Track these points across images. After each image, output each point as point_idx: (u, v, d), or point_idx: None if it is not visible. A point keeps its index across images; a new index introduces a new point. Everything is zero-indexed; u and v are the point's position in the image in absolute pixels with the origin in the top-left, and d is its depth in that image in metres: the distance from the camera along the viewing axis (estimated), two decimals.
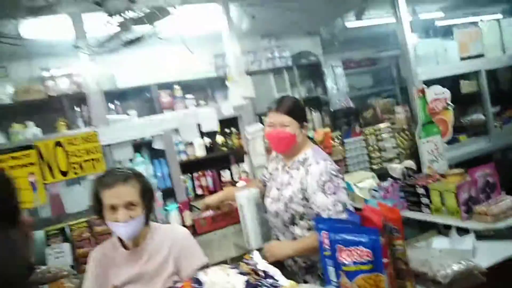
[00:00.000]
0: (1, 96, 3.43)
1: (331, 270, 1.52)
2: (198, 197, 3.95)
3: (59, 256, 2.41)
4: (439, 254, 1.76)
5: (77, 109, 3.67)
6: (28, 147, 2.43)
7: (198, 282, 1.26)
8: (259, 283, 1.21)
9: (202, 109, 2.83)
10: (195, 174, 4.00)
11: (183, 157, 3.84)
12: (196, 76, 4.03)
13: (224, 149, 4.11)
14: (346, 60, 5.05)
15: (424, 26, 4.40)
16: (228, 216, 2.82)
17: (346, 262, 1.43)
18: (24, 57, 3.43)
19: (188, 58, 3.99)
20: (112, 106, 3.83)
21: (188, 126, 2.71)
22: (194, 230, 2.73)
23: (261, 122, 3.05)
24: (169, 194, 3.22)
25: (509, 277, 1.81)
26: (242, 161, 4.14)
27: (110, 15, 2.00)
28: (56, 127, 3.51)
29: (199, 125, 2.77)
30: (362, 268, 1.40)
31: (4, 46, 2.74)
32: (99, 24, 2.29)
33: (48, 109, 3.63)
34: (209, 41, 3.89)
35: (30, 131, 3.46)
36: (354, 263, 1.41)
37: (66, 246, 2.45)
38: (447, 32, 4.14)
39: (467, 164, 3.17)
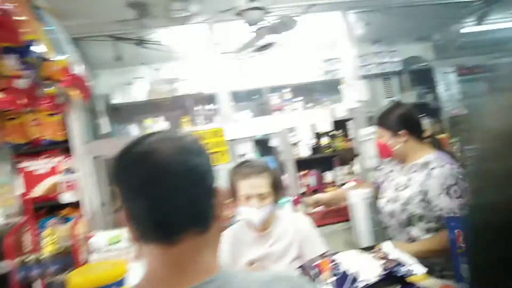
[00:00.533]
0: (139, 94, 3.94)
1: (465, 267, 1.53)
2: (301, 195, 4.11)
3: None
4: None
5: (197, 107, 4.06)
6: None
7: (335, 261, 1.39)
8: (395, 269, 1.31)
9: (317, 110, 2.99)
10: (299, 173, 4.17)
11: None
12: (305, 80, 4.20)
13: (329, 151, 4.22)
14: (459, 66, 4.84)
15: None
16: (338, 213, 2.94)
17: None
18: (157, 61, 3.90)
19: (299, 62, 4.22)
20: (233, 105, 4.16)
21: (304, 126, 2.88)
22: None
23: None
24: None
25: None
26: (346, 163, 4.22)
27: (249, 24, 2.24)
28: (180, 123, 3.93)
29: (313, 126, 2.93)
30: None
31: (145, 51, 3.18)
32: (231, 32, 2.57)
33: (175, 107, 4.06)
34: (320, 46, 4.06)
35: (159, 125, 3.93)
36: None
37: None
38: None
39: None
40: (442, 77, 4.47)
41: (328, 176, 4.30)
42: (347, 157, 4.23)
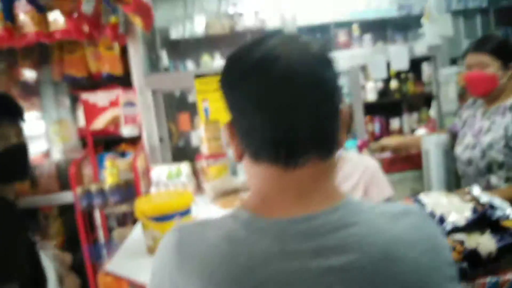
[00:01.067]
0: (196, 29, 3.78)
1: None
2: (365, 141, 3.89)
3: None
4: None
5: None
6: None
7: (419, 201, 1.23)
8: (487, 213, 1.12)
9: (393, 47, 2.68)
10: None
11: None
12: (376, 15, 3.82)
13: (398, 95, 3.91)
14: None
15: None
16: (407, 160, 2.71)
17: None
18: None
19: None
20: None
21: (378, 63, 2.61)
22: None
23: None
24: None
25: None
26: (416, 109, 3.91)
27: None
28: None
29: (388, 64, 2.64)
30: None
31: None
32: None
33: (233, 43, 3.87)
34: None
35: (216, 62, 3.78)
36: None
37: None
38: None
39: None
40: None
41: (395, 123, 4.03)
42: (418, 102, 3.91)
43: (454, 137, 2.20)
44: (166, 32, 3.80)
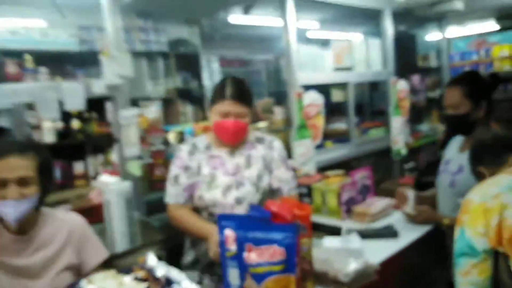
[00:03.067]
0: None
1: (234, 272, 1.32)
2: None
3: None
4: (337, 253, 1.71)
5: None
6: None
7: None
8: None
9: (67, 83, 2.33)
10: None
11: None
12: (54, 47, 3.40)
13: (81, 136, 3.56)
14: (221, 56, 4.92)
15: (302, 34, 4.55)
16: (86, 214, 2.37)
17: (255, 263, 1.25)
18: None
19: (45, 25, 3.38)
20: None
21: (48, 101, 2.19)
22: None
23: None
24: None
25: (393, 273, 1.87)
26: (101, 151, 3.65)
27: None
28: None
29: (60, 103, 2.26)
30: (273, 269, 1.24)
31: None
32: None
33: None
34: (73, 11, 3.36)
35: None
36: (265, 263, 1.24)
37: None
38: (324, 42, 4.34)
39: (331, 168, 3.31)
40: (207, 64, 4.41)
41: (79, 166, 3.64)
42: (101, 143, 3.66)
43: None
44: None
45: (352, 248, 1.80)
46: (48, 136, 3.35)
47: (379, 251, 1.86)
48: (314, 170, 3.52)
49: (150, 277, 0.99)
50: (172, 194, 1.86)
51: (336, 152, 4.01)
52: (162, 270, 1.03)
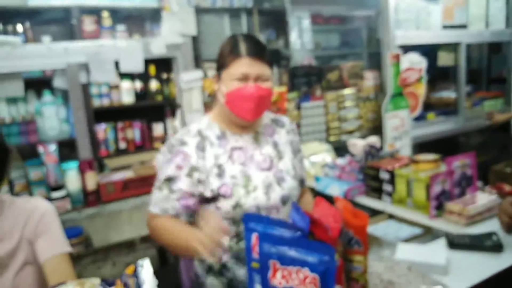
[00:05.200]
0: None
1: None
2: (120, 152, 3.32)
3: None
4: (406, 272, 1.32)
5: None
6: None
7: None
8: None
9: (122, 42, 2.16)
10: (119, 125, 3.35)
11: (106, 102, 3.16)
12: (132, 4, 3.27)
13: (159, 97, 3.46)
14: (314, 14, 4.44)
15: None
16: (146, 182, 2.25)
17: (279, 286, 0.94)
18: None
19: None
20: (21, 28, 3.05)
21: (102, 61, 2.05)
22: (98, 196, 2.14)
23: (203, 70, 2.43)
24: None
25: None
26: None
27: None
28: None
29: (117, 63, 2.11)
30: None
31: None
32: None
33: None
34: None
35: None
36: None
37: None
38: None
39: (432, 145, 2.76)
40: (296, 22, 3.98)
41: (159, 128, 3.58)
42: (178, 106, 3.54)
43: None
44: None
45: (433, 262, 1.38)
46: (126, 96, 3.31)
47: (473, 270, 1.41)
48: (409, 147, 3.01)
49: None
50: (159, 201, 1.35)
51: (439, 126, 3.40)
52: (148, 285, 0.78)
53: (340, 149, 2.69)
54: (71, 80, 2.06)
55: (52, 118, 2.86)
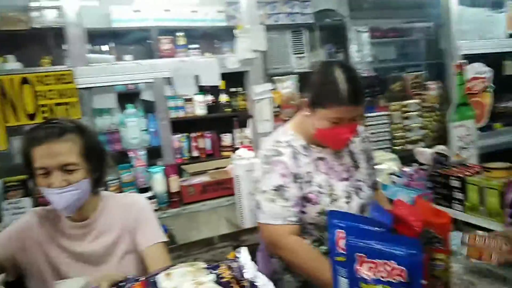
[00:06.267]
0: None
1: (343, 282, 1.12)
2: (193, 159, 3.57)
3: (17, 212, 2.04)
4: (487, 273, 1.37)
5: (64, 46, 3.24)
6: None
7: (155, 286, 0.86)
8: None
9: (201, 58, 2.38)
10: (192, 134, 3.60)
11: (180, 114, 3.42)
12: (204, 24, 3.54)
13: (228, 110, 3.68)
14: (372, 27, 4.52)
15: None
16: (221, 186, 2.44)
17: (368, 278, 1.03)
18: None
19: (196, 2, 3.55)
20: (106, 47, 3.40)
21: (184, 76, 2.27)
22: (181, 198, 2.34)
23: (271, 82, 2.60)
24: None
25: None
26: (245, 125, 3.74)
27: None
28: (40, 64, 3.09)
29: (197, 77, 2.33)
30: None
31: None
32: None
33: (32, 44, 3.19)
34: None
35: (10, 66, 3.05)
36: (379, 281, 1.01)
37: (27, 202, 2.08)
38: (495, 3, 3.59)
39: (499, 155, 2.74)
40: (355, 36, 4.08)
41: (228, 139, 3.79)
42: (246, 118, 3.73)
43: None
44: None
45: None
46: (199, 109, 3.56)
47: None
48: (476, 157, 2.99)
49: (234, 279, 0.89)
50: (277, 212, 1.38)
51: (506, 136, 3.33)
52: (250, 272, 0.91)
53: (405, 158, 2.74)
54: (157, 93, 2.30)
55: (134, 128, 3.16)
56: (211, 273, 0.90)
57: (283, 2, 3.75)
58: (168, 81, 2.32)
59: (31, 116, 2.08)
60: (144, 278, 0.92)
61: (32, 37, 3.15)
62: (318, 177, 1.45)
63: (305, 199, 1.42)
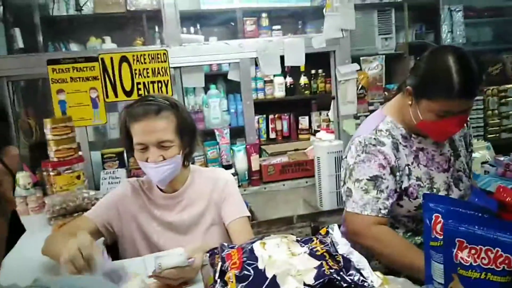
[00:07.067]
0: (80, 6, 3.25)
1: (438, 267, 1.08)
2: (270, 140, 3.61)
3: (113, 182, 2.22)
4: None
5: (157, 30, 3.41)
6: (94, 59, 2.18)
7: (252, 254, 0.90)
8: (337, 277, 0.82)
9: (288, 38, 2.37)
10: (270, 116, 3.64)
11: (260, 96, 3.48)
12: (287, 5, 3.53)
13: (307, 92, 3.66)
14: (466, 6, 4.18)
15: None
16: (301, 167, 2.44)
17: (467, 264, 0.98)
18: None
19: None
20: (192, 29, 3.52)
21: (270, 56, 2.29)
22: (261, 176, 2.39)
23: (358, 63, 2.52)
24: (240, 133, 2.90)
25: None
26: (325, 108, 3.69)
27: None
28: (133, 45, 3.30)
29: (282, 58, 2.33)
30: (491, 279, 0.95)
31: None
32: None
33: (127, 26, 3.40)
34: None
35: (106, 46, 3.29)
36: (480, 268, 0.96)
37: (122, 172, 2.25)
38: None
39: None
40: (448, 15, 3.81)
41: (305, 121, 3.79)
42: (325, 101, 3.68)
43: None
44: (46, 8, 3.24)
45: None
46: (278, 90, 3.59)
47: None
48: None
49: (327, 253, 0.89)
50: (368, 203, 1.32)
51: None
52: (344, 248, 0.91)
53: (499, 148, 2.54)
54: (243, 73, 2.34)
55: (216, 109, 3.27)
56: (303, 246, 0.92)
57: None
58: (254, 61, 2.35)
59: (128, 93, 2.23)
60: (239, 246, 0.96)
61: (126, 19, 3.35)
62: (418, 169, 1.38)
63: (404, 192, 1.36)
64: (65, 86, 2.12)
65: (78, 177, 1.95)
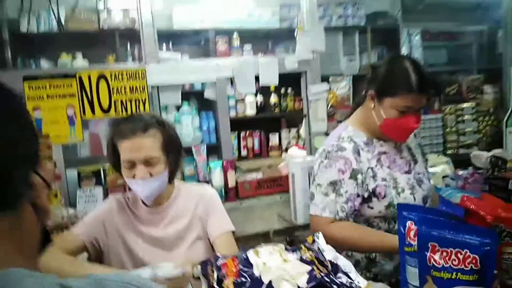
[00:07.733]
0: (52, 23, 3.23)
1: (412, 271, 1.18)
2: (241, 158, 3.68)
3: (90, 200, 2.21)
4: None
5: (129, 48, 3.44)
6: (71, 76, 2.19)
7: (247, 262, 0.96)
8: (327, 279, 0.89)
9: (262, 58, 2.48)
10: (242, 134, 3.72)
11: (232, 114, 3.55)
12: (258, 26, 3.65)
13: (277, 110, 3.78)
14: (423, 30, 4.46)
15: None
16: (275, 183, 2.53)
17: (439, 266, 1.08)
18: None
19: (251, 5, 3.66)
20: (165, 47, 3.57)
21: (246, 75, 2.38)
22: (237, 193, 2.45)
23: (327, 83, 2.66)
24: (213, 150, 2.95)
25: None
26: (294, 126, 3.81)
27: None
28: (105, 62, 3.30)
29: (256, 77, 2.43)
30: (461, 278, 1.05)
31: None
32: None
33: (99, 43, 3.40)
34: None
35: (78, 62, 3.28)
36: (451, 269, 1.06)
37: (99, 191, 2.24)
38: None
39: None
40: (407, 39, 4.06)
41: (275, 139, 3.88)
42: (294, 119, 3.81)
43: None
44: (17, 24, 3.21)
45: None
46: (249, 109, 3.67)
47: None
48: None
49: (316, 259, 0.97)
50: (328, 205, 1.43)
51: None
52: (330, 253, 0.99)
53: (458, 162, 2.72)
54: (219, 92, 2.41)
55: (188, 126, 3.31)
56: (292, 253, 0.99)
57: (335, 4, 3.79)
58: (230, 81, 2.43)
59: (105, 111, 2.25)
60: (233, 255, 1.01)
61: (98, 36, 3.36)
62: (382, 171, 1.49)
63: (372, 194, 1.46)
64: (41, 103, 2.12)
65: (56, 196, 1.94)
